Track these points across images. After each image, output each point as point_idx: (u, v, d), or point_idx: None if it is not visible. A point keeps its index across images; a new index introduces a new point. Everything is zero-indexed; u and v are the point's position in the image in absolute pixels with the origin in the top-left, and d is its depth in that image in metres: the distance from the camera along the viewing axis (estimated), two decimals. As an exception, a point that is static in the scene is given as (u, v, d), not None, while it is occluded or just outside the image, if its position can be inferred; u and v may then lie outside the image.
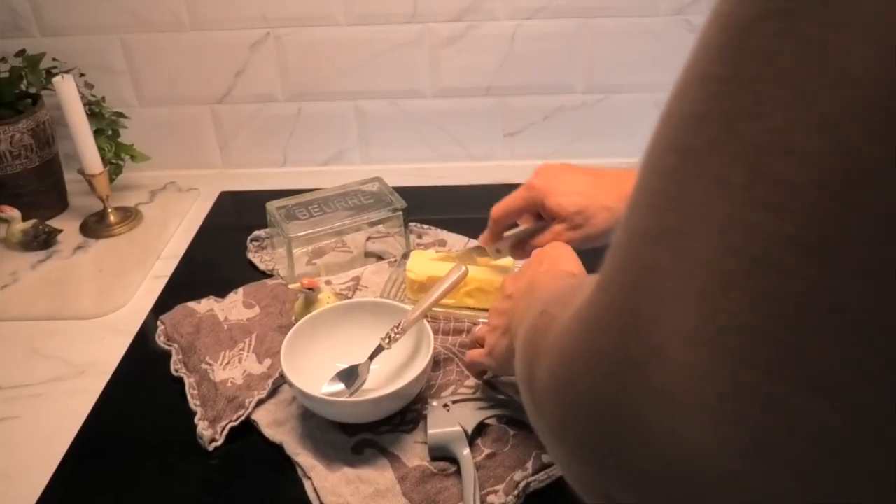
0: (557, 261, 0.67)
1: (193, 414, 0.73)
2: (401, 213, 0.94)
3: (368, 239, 0.97)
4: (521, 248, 0.79)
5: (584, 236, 0.73)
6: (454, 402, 0.71)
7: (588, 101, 1.15)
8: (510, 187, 1.14)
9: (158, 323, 0.84)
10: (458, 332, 0.83)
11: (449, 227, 1.02)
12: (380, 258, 0.96)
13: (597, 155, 1.18)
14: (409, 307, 0.76)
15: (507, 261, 0.84)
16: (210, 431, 0.70)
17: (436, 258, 0.87)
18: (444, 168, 1.19)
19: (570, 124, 1.17)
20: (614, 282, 0.26)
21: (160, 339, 0.82)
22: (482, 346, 0.72)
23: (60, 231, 1.03)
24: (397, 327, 0.74)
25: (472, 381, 0.76)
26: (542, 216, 0.78)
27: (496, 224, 0.79)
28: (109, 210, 1.07)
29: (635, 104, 1.15)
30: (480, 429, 0.70)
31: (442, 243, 0.98)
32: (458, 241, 0.99)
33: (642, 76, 1.12)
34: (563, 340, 0.29)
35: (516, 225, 0.81)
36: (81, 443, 0.72)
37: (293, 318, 0.84)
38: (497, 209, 0.79)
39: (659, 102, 1.19)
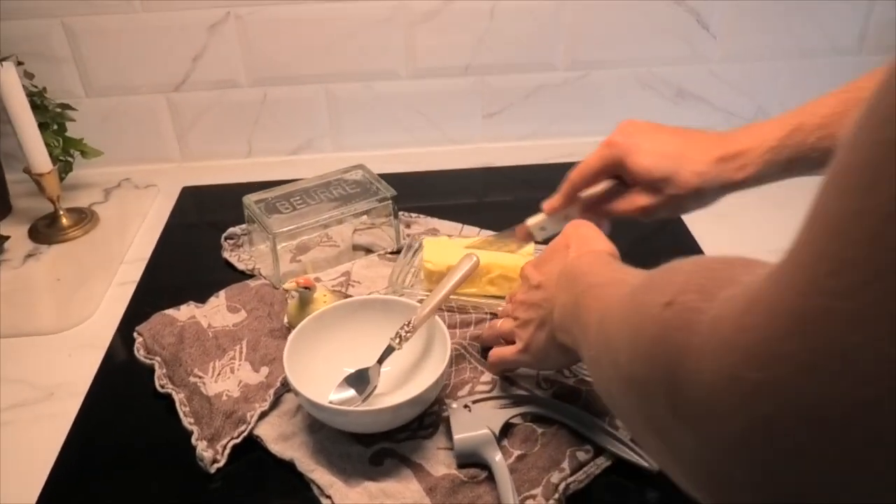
0: (585, 241, 0.62)
1: (187, 433, 0.66)
2: (390, 202, 0.88)
3: (355, 231, 0.91)
4: (593, 211, 0.70)
5: (666, 205, 0.65)
6: (474, 401, 0.66)
7: (570, 79, 1.11)
8: (492, 171, 1.11)
9: (135, 334, 0.76)
10: (467, 324, 0.77)
11: (434, 214, 0.97)
12: (368, 251, 0.90)
13: (580, 134, 1.15)
14: (416, 303, 0.71)
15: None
16: (210, 452, 0.63)
17: (468, 244, 0.80)
18: (422, 153, 1.14)
19: (551, 103, 1.13)
20: (858, 267, 0.21)
21: (139, 353, 0.74)
22: (508, 343, 0.67)
23: (7, 238, 0.93)
24: (408, 325, 0.68)
25: (488, 377, 0.71)
26: (620, 179, 0.68)
27: (572, 187, 0.69)
28: (61, 212, 0.97)
29: (618, 80, 1.11)
30: (506, 429, 0.65)
31: (433, 232, 0.93)
32: (450, 229, 0.93)
33: (625, 51, 1.09)
34: (747, 337, 0.25)
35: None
36: (59, 476, 0.64)
37: (286, 320, 0.77)
38: (575, 171, 0.70)
39: (642, 77, 1.16)
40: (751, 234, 0.93)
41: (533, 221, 0.73)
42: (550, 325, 0.59)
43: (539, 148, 1.14)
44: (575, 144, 1.14)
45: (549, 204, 0.72)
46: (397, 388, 0.69)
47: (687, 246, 0.91)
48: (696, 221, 0.94)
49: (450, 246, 0.82)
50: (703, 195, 0.65)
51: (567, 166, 1.11)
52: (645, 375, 0.32)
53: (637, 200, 0.67)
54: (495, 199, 1.05)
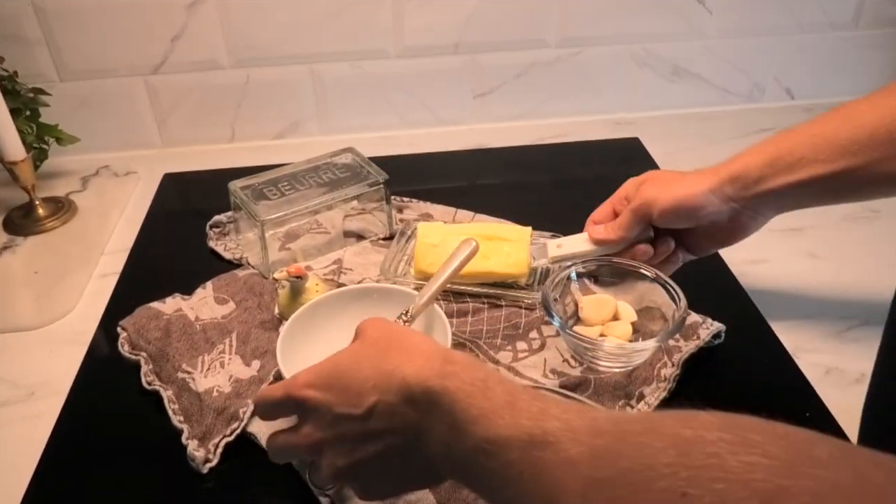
0: (397, 337, 0.49)
1: (176, 432, 0.62)
2: (381, 186, 0.85)
3: (346, 217, 0.88)
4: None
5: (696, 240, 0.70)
6: None
7: (563, 56, 1.08)
8: (484, 153, 1.08)
9: (119, 329, 0.72)
10: (464, 314, 0.75)
11: (426, 198, 0.94)
12: (360, 237, 0.87)
13: (573, 113, 1.12)
14: (414, 291, 0.68)
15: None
16: (202, 451, 0.60)
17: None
18: (411, 135, 1.10)
19: (544, 81, 1.10)
20: None
21: (124, 349, 0.70)
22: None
23: (-20, 230, 0.89)
24: (405, 314, 0.65)
25: (489, 367, 0.69)
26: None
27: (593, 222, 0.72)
28: (37, 202, 0.93)
29: (612, 57, 1.08)
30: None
31: (427, 217, 0.90)
32: (444, 214, 0.90)
33: (619, 27, 1.06)
34: None
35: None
36: (43, 480, 0.61)
37: (277, 311, 0.74)
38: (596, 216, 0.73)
39: (637, 54, 1.13)
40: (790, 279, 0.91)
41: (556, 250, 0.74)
42: (413, 455, 0.44)
43: (532, 128, 1.11)
44: (569, 124, 1.12)
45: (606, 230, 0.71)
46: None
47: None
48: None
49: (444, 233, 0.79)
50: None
51: (561, 147, 1.09)
52: None
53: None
54: (488, 181, 1.02)
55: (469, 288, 0.77)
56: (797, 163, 0.61)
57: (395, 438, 0.44)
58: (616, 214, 0.71)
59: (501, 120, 1.12)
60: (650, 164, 1.01)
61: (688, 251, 0.71)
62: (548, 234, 0.82)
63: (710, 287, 0.78)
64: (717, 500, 0.25)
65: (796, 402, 0.65)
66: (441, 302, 0.75)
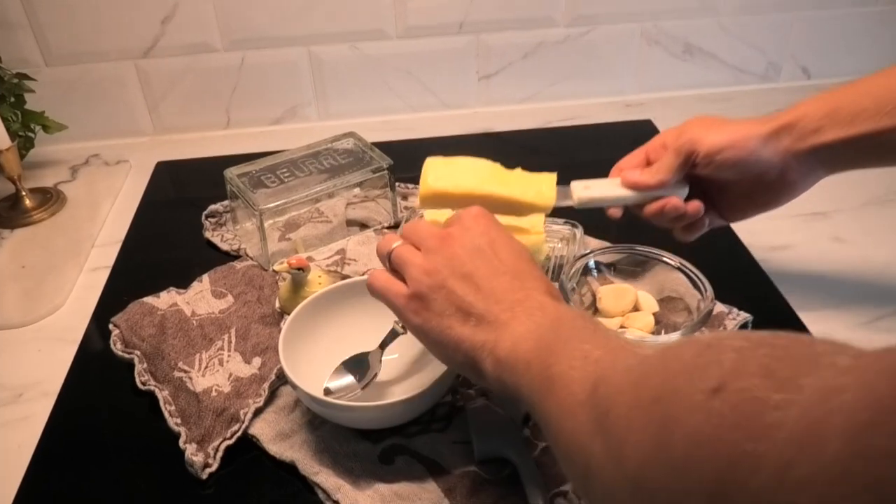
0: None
1: (175, 435, 0.59)
2: (385, 172, 0.81)
3: (348, 205, 0.84)
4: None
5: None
6: None
7: (572, 35, 1.03)
8: (490, 137, 1.04)
9: (111, 326, 0.68)
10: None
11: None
12: (364, 226, 0.83)
13: (582, 95, 1.08)
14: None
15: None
16: (201, 455, 0.57)
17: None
18: (414, 119, 1.06)
19: (552, 62, 1.05)
20: None
21: (116, 347, 0.67)
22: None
23: (-36, 222, 0.85)
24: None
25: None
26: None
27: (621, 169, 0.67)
28: (24, 193, 0.89)
29: (623, 36, 1.04)
30: (528, 417, 0.59)
31: (433, 204, 0.86)
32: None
33: (630, 4, 1.02)
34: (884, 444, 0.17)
35: None
36: (32, 486, 0.57)
37: (278, 305, 0.70)
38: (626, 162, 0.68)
39: (648, 32, 1.09)
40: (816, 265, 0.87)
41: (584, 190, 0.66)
42: (480, 337, 0.46)
43: (540, 111, 1.07)
44: (578, 107, 1.08)
45: (649, 174, 0.64)
46: (400, 375, 0.62)
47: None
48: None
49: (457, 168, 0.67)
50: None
51: (570, 130, 1.05)
52: (672, 487, 0.25)
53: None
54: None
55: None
56: (859, 115, 0.56)
57: None
58: (649, 163, 0.65)
59: (508, 103, 1.08)
60: (663, 147, 0.97)
61: (719, 215, 0.66)
62: (560, 220, 0.78)
63: (733, 274, 0.74)
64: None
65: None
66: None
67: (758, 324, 0.66)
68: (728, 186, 0.63)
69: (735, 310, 0.67)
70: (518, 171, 0.67)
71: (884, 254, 0.78)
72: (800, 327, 0.68)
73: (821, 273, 0.76)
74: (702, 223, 0.66)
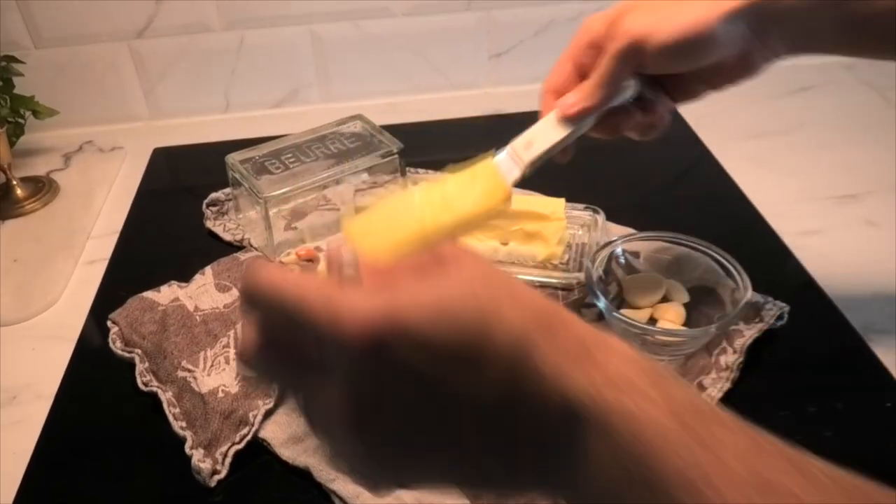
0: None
1: (180, 440, 0.55)
2: (396, 157, 0.77)
3: (356, 192, 0.80)
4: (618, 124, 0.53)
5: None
6: None
7: (585, 11, 0.98)
8: (501, 118, 1.00)
9: (110, 323, 0.64)
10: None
11: (442, 169, 0.85)
12: (373, 214, 0.79)
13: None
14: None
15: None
16: (209, 462, 0.53)
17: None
18: (421, 101, 1.02)
19: (564, 40, 1.00)
20: None
21: (116, 345, 0.63)
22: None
23: (-48, 214, 0.81)
24: None
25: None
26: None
27: (549, 96, 0.53)
28: (15, 182, 0.85)
29: (639, 11, 1.00)
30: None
31: (445, 189, 0.82)
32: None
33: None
34: None
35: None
36: (28, 495, 0.53)
37: (286, 299, 0.66)
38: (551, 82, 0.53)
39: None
40: (796, 179, 0.84)
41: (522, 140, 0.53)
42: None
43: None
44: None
45: (571, 102, 0.51)
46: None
47: (727, 192, 0.81)
48: (735, 168, 0.85)
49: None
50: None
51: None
52: None
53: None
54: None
55: (499, 266, 0.69)
56: None
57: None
58: (581, 73, 0.53)
59: (520, 83, 1.03)
60: (683, 127, 0.93)
61: (671, 99, 0.55)
62: (581, 205, 0.74)
63: (764, 262, 0.70)
64: None
65: (874, 390, 0.58)
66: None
67: (795, 313, 0.63)
68: (677, 74, 0.52)
69: (770, 300, 0.63)
70: (449, 178, 0.53)
71: (921, 238, 0.74)
72: (838, 316, 0.64)
73: (855, 258, 0.72)
74: (662, 119, 0.56)
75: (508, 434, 0.29)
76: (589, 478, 0.28)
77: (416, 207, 0.50)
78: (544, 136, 0.53)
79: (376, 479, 0.32)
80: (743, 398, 0.57)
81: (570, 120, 0.51)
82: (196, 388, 0.58)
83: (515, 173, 0.52)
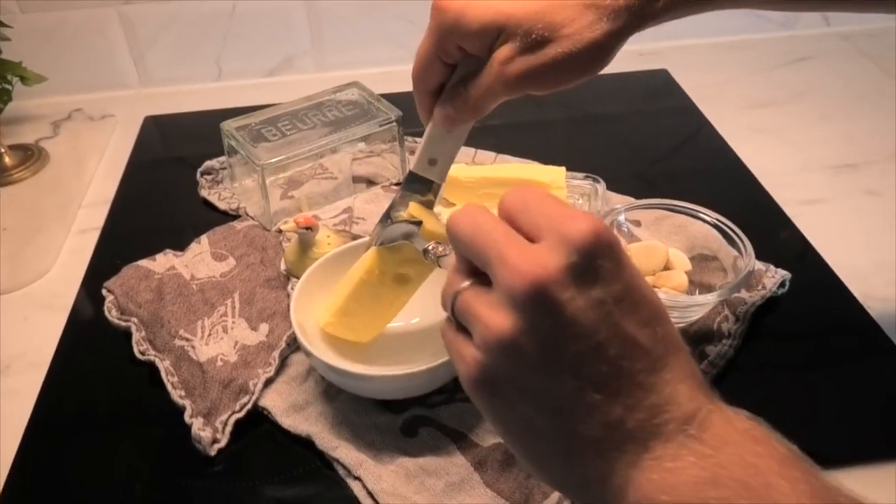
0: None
1: (178, 409, 0.54)
2: (394, 125, 0.76)
3: (353, 160, 0.78)
4: (457, 101, 0.46)
5: (554, 60, 0.42)
6: None
7: (584, -22, 0.97)
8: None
9: (105, 291, 0.63)
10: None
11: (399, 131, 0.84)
12: (371, 182, 0.78)
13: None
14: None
15: None
16: (209, 430, 0.52)
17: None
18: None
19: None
20: None
21: (111, 314, 0.62)
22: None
23: (-61, 182, 0.79)
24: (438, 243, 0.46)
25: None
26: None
27: (417, 89, 0.48)
28: (3, 150, 0.83)
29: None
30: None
31: (443, 159, 0.81)
32: (462, 155, 0.81)
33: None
34: None
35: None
36: (24, 464, 0.53)
37: (284, 267, 0.65)
38: (413, 69, 0.48)
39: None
40: (796, 148, 0.84)
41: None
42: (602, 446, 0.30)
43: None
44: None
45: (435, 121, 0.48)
46: (425, 342, 0.58)
47: (727, 163, 0.80)
48: (735, 138, 0.84)
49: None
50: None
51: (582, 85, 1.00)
52: None
53: (510, 64, 0.43)
54: (505, 120, 0.93)
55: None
56: None
57: None
58: (444, 65, 0.46)
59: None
60: (681, 98, 0.93)
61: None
62: (581, 174, 0.74)
63: (765, 230, 0.70)
64: None
65: (875, 357, 0.58)
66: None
67: (796, 281, 0.63)
68: None
69: (772, 267, 0.63)
70: (525, 169, 0.59)
71: (921, 207, 0.74)
72: (839, 284, 0.64)
73: (856, 227, 0.72)
74: None
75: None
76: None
77: (376, 294, 0.52)
78: (443, 149, 0.49)
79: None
80: (745, 365, 0.57)
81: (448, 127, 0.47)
82: (194, 357, 0.57)
83: (432, 199, 0.50)
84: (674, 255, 0.64)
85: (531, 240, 0.31)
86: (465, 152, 0.81)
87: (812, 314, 0.62)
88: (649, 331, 0.30)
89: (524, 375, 0.30)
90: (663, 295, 0.59)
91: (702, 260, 0.63)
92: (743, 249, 0.59)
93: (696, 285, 0.62)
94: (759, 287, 0.61)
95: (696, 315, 0.60)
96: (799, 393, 0.55)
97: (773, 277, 0.62)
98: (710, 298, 0.57)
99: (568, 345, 0.29)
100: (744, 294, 0.61)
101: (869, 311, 0.62)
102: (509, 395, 0.31)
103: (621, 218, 0.64)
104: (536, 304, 0.29)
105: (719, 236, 0.62)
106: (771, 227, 0.71)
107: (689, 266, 0.63)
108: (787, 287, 0.63)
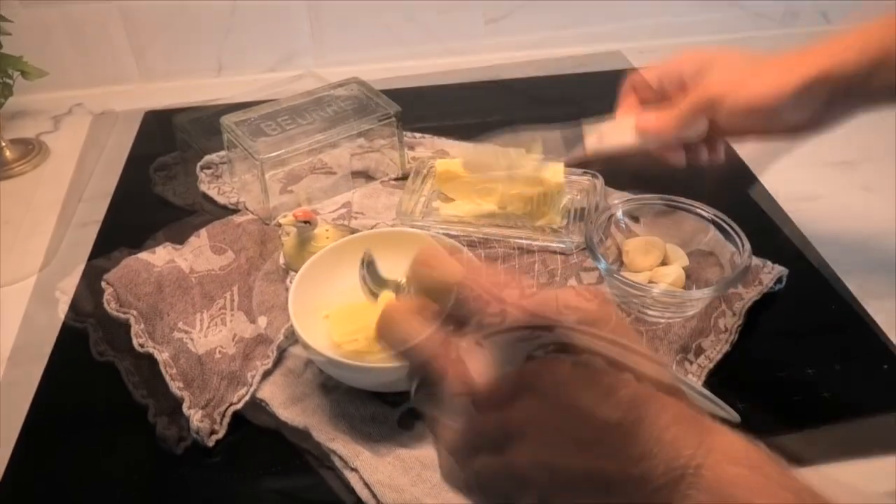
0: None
1: (178, 400, 0.55)
2: (393, 120, 0.76)
3: (352, 155, 0.79)
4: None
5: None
6: (485, 336, 0.54)
7: (584, -24, 0.98)
8: (498, 84, 0.99)
9: (104, 284, 0.63)
10: (493, 260, 0.67)
11: (439, 135, 0.85)
12: (370, 178, 0.78)
13: (596, 40, 1.03)
14: (439, 235, 0.60)
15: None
16: (207, 422, 0.53)
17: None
18: (417, 67, 1.00)
19: (562, 5, 1.00)
20: None
21: (110, 306, 0.62)
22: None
23: (-60, 175, 0.79)
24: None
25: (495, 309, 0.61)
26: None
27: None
28: (3, 144, 0.83)
29: (639, -24, 0.99)
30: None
31: (442, 154, 0.81)
32: (460, 150, 0.81)
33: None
34: None
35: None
36: (24, 458, 0.53)
37: (282, 261, 0.66)
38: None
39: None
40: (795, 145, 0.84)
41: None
42: None
43: (551, 58, 1.01)
44: (591, 54, 1.02)
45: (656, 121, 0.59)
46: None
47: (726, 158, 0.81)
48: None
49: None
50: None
51: (583, 78, 1.00)
52: None
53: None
54: (506, 117, 0.93)
55: (497, 231, 0.69)
56: None
57: None
58: (663, 93, 0.60)
59: (516, 48, 1.02)
60: (681, 95, 0.93)
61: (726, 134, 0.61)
62: (579, 170, 0.74)
63: (763, 227, 0.70)
64: None
65: (870, 353, 0.58)
66: (468, 249, 0.67)
67: (793, 278, 0.63)
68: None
69: (769, 263, 0.63)
70: None
71: (918, 205, 0.74)
72: (836, 281, 0.64)
73: (853, 224, 0.72)
74: (719, 156, 0.62)
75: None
76: None
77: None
78: (615, 135, 0.60)
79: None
80: (742, 360, 0.57)
81: (641, 133, 0.59)
82: (193, 350, 0.58)
83: (577, 154, 0.61)
84: (671, 251, 0.64)
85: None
86: (464, 148, 0.81)
87: (808, 310, 0.62)
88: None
89: None
90: (661, 290, 0.59)
91: (699, 255, 0.63)
92: (740, 245, 0.59)
93: (693, 281, 0.62)
94: (756, 283, 0.62)
95: (692, 310, 0.60)
96: (796, 388, 0.56)
97: (770, 274, 0.62)
98: (707, 293, 0.57)
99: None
100: (741, 290, 0.61)
101: (866, 306, 0.62)
102: None
103: (619, 213, 0.64)
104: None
105: (716, 232, 0.62)
106: (768, 223, 0.72)
107: (686, 261, 0.63)
108: (783, 283, 0.63)
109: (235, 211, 0.74)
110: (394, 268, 0.58)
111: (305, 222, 0.62)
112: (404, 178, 0.77)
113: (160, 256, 0.66)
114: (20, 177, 0.82)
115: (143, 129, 0.90)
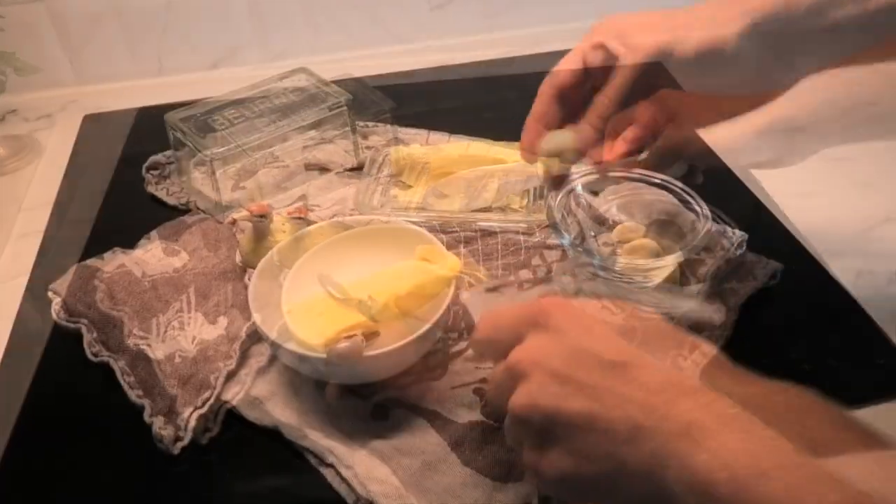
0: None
1: (137, 409, 0.52)
2: (344, 109, 0.74)
3: (304, 147, 0.77)
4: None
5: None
6: (489, 289, 0.54)
7: (526, -43, 0.97)
8: (448, 70, 0.97)
9: (51, 294, 0.60)
10: (456, 244, 0.66)
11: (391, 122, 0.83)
12: (324, 169, 0.76)
13: (545, 21, 1.02)
14: (400, 222, 0.59)
15: None
16: (170, 428, 0.50)
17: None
18: (363, 56, 0.99)
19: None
20: None
21: (59, 316, 0.59)
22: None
23: None
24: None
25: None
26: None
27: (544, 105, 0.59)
28: (-69, 155, 0.79)
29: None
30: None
31: (397, 142, 0.79)
32: (415, 137, 0.80)
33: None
34: None
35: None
36: (18, 459, 0.51)
37: (239, 259, 0.63)
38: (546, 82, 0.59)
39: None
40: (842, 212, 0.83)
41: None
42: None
43: (499, 41, 1.00)
44: (540, 34, 1.02)
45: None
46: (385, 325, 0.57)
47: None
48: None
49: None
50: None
51: (532, 60, 0.99)
52: None
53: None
54: (456, 104, 0.92)
55: (458, 216, 0.68)
56: None
57: None
58: (589, 74, 0.58)
59: (462, 34, 1.01)
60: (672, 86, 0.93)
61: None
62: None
63: (760, 223, 0.69)
64: None
65: (866, 347, 0.58)
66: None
67: (787, 273, 0.62)
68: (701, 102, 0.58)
69: (764, 259, 0.63)
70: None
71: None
72: (829, 277, 0.64)
73: (850, 221, 0.72)
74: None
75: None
76: None
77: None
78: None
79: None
80: (737, 356, 0.56)
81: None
82: (151, 356, 0.55)
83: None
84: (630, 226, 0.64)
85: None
86: (418, 134, 0.80)
87: (804, 305, 0.61)
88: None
89: None
90: (624, 262, 0.58)
91: (660, 226, 0.63)
92: (699, 211, 0.59)
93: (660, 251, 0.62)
94: (751, 278, 0.61)
95: (658, 278, 0.60)
96: (792, 383, 0.55)
97: (765, 269, 0.62)
98: (671, 260, 0.57)
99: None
100: (735, 285, 0.60)
101: (860, 302, 0.61)
102: None
103: (579, 188, 0.64)
104: None
105: (674, 200, 0.62)
106: (763, 218, 0.71)
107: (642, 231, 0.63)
108: (778, 278, 0.62)
109: (186, 211, 0.72)
110: (355, 259, 0.57)
111: (261, 216, 0.60)
112: (359, 167, 0.75)
113: (109, 262, 0.64)
114: (12, 174, 0.78)
115: (82, 134, 0.86)
